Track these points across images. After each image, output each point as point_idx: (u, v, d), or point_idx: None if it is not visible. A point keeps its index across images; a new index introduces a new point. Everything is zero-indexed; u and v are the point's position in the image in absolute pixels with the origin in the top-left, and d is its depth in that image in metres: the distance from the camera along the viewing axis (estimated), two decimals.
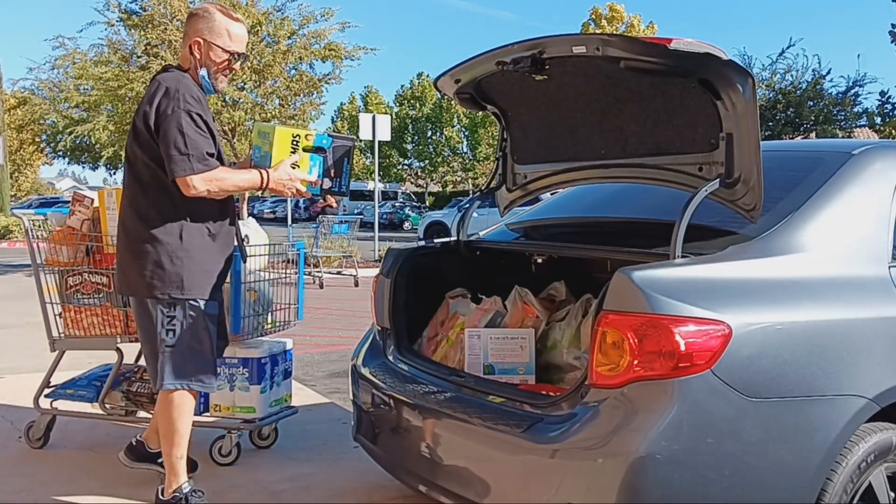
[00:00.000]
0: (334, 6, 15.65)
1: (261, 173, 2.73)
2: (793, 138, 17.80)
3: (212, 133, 2.68)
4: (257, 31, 15.05)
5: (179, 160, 2.55)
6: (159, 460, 2.99)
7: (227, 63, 2.77)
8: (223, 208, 2.80)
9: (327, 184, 2.89)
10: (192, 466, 3.05)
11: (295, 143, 2.81)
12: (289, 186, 2.75)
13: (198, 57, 2.73)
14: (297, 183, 2.76)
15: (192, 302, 2.70)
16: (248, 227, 3.62)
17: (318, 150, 2.86)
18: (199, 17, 2.75)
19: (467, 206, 3.26)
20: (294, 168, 2.79)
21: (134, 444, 3.15)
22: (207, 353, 2.78)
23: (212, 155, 2.63)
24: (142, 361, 3.93)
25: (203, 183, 2.59)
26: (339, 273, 12.55)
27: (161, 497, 2.87)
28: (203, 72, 2.74)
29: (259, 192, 2.83)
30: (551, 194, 3.33)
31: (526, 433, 2.10)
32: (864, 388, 2.06)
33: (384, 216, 31.33)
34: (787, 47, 18.82)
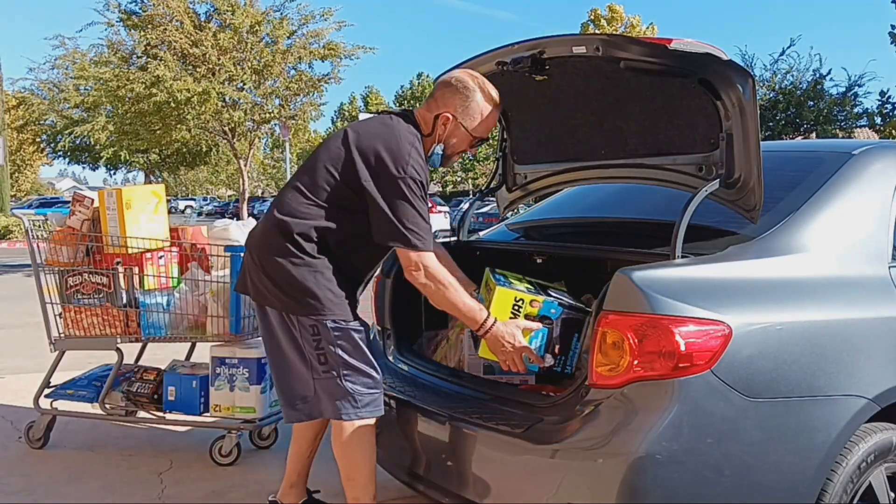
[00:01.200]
0: (334, 6, 15.65)
1: (487, 313, 2.32)
2: (793, 138, 17.81)
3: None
4: (256, 30, 15.06)
5: (412, 232, 2.28)
6: None
7: (466, 147, 2.53)
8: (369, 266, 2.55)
9: (549, 360, 2.38)
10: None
11: (517, 307, 2.37)
12: (507, 351, 2.30)
13: (440, 133, 2.46)
14: (518, 352, 2.30)
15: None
16: (248, 227, 3.62)
17: (543, 318, 2.39)
18: (457, 91, 2.45)
19: (466, 206, 3.25)
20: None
21: None
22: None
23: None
24: (142, 361, 3.94)
25: (425, 276, 2.31)
26: None
27: None
28: (439, 148, 2.48)
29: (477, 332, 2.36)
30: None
31: (526, 433, 2.10)
32: (865, 389, 2.06)
33: None
34: (788, 47, 18.87)
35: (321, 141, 2.60)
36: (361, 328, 2.46)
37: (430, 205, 2.83)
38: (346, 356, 2.40)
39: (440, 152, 2.49)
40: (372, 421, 2.47)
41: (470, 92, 2.44)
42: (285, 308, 2.41)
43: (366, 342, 2.46)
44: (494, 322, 2.31)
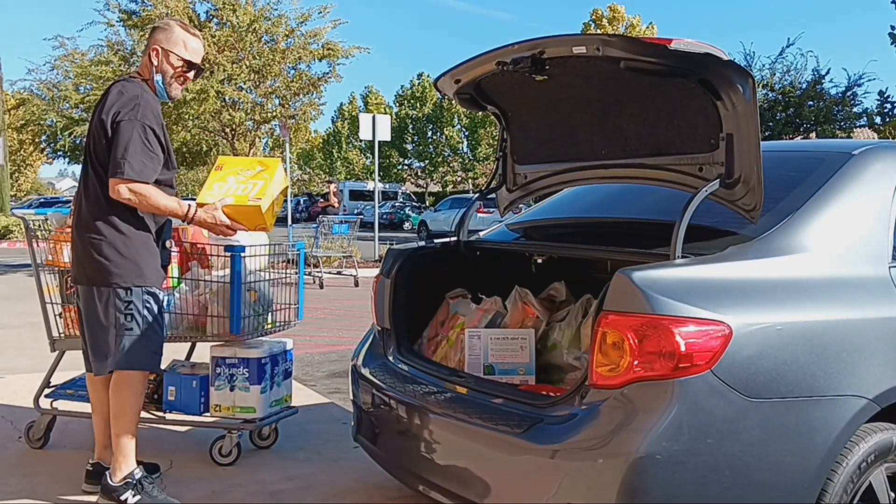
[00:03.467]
0: (330, 3, 15.58)
1: (189, 206, 2.93)
2: (793, 138, 17.80)
3: (162, 145, 2.88)
4: (255, 29, 15.04)
5: (118, 163, 2.74)
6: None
7: (182, 73, 2.99)
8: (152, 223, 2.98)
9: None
10: (152, 469, 3.18)
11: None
12: (214, 225, 2.97)
13: (155, 64, 2.96)
14: (221, 225, 2.96)
15: (147, 288, 2.90)
16: None
17: None
18: (159, 28, 3.02)
19: (467, 206, 3.25)
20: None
21: (91, 469, 3.10)
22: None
23: (154, 171, 2.83)
24: None
25: (128, 191, 2.76)
26: (339, 273, 12.54)
27: (110, 482, 2.87)
28: (158, 77, 2.97)
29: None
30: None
31: (526, 433, 2.10)
32: (865, 389, 2.06)
33: (384, 216, 31.36)
34: (787, 47, 18.83)
35: None
36: (153, 292, 2.91)
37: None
38: (135, 317, 2.85)
39: (159, 79, 2.97)
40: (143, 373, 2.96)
41: (169, 26, 3.00)
42: (90, 281, 2.87)
43: (156, 305, 2.92)
44: (196, 210, 2.93)
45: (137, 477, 2.87)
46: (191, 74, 3.04)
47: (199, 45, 3.04)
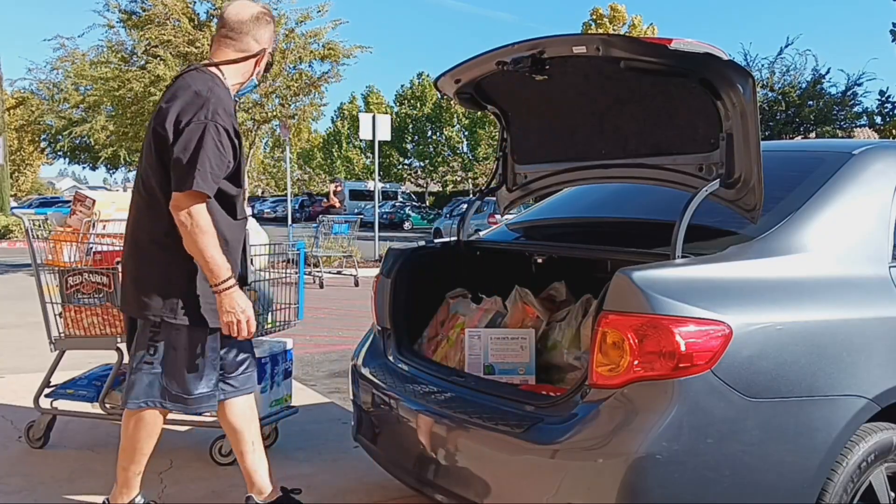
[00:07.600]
0: (328, 3, 15.57)
1: (231, 275, 2.40)
2: (793, 138, 17.80)
3: (235, 150, 2.44)
4: None
5: (198, 172, 2.30)
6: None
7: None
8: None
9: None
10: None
11: None
12: (233, 314, 2.41)
13: (259, 70, 2.63)
14: (243, 320, 2.43)
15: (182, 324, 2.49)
16: (248, 226, 3.61)
17: None
18: (270, 23, 2.60)
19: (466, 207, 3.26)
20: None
21: None
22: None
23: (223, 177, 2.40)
24: None
25: (192, 212, 2.31)
26: (339, 273, 12.54)
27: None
28: (255, 79, 2.66)
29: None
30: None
31: (526, 433, 2.10)
32: (865, 389, 2.06)
33: (384, 216, 31.39)
34: (786, 46, 18.85)
35: None
36: (204, 334, 2.49)
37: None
38: (174, 357, 2.47)
39: (256, 81, 2.64)
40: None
41: (273, 19, 2.60)
42: (136, 311, 2.49)
43: (203, 349, 2.49)
44: (233, 286, 2.40)
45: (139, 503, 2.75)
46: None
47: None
